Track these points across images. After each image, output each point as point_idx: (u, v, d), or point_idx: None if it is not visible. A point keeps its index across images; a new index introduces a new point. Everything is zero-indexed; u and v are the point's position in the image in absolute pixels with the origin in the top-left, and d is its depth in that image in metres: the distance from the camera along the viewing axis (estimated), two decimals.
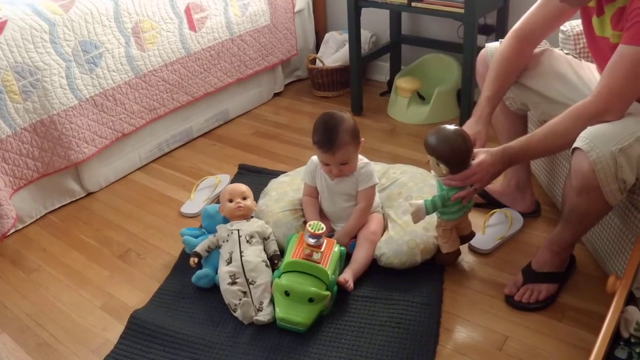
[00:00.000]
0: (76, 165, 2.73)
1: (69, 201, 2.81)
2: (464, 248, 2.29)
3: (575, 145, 1.76)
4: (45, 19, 2.57)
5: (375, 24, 3.71)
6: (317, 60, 3.72)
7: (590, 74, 2.14)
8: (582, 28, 2.14)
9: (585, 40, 2.15)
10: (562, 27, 2.40)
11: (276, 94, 3.77)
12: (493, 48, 2.28)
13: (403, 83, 3.36)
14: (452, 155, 1.96)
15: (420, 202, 2.05)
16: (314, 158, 2.31)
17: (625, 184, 1.75)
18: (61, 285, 2.31)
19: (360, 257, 2.20)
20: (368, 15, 3.41)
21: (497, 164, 1.94)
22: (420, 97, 3.41)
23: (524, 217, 2.45)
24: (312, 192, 2.35)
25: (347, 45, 3.58)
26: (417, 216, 2.06)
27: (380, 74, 3.87)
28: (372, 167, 2.28)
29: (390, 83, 3.58)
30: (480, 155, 1.96)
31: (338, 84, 3.67)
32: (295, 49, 3.73)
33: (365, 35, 3.58)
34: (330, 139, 2.14)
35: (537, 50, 2.22)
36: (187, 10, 3.07)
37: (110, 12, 2.76)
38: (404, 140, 3.16)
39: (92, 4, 2.71)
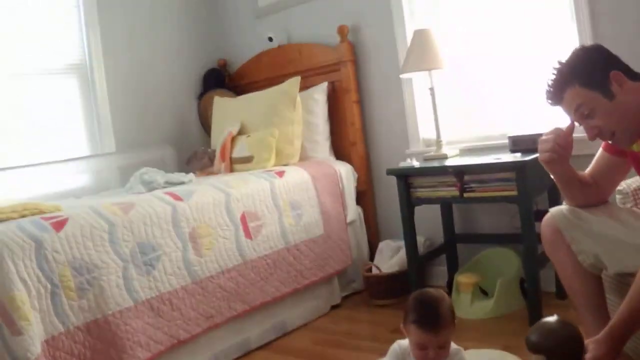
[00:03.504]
0: None
1: None
2: None
3: None
4: (105, 219, 2.61)
5: (427, 228, 3.70)
6: (374, 268, 3.65)
7: None
8: (637, 184, 2.27)
9: None
10: (618, 187, 2.39)
11: (333, 307, 3.66)
12: (557, 211, 2.24)
13: (463, 278, 3.27)
14: (569, 351, 1.77)
15: None
16: (400, 343, 2.09)
17: None
18: None
19: None
20: (419, 219, 3.41)
21: (609, 353, 1.77)
22: (483, 292, 3.27)
23: None
24: None
25: (402, 251, 3.54)
26: None
27: (439, 278, 3.76)
28: (465, 355, 2.07)
29: (449, 284, 3.47)
30: (590, 347, 1.78)
31: (396, 291, 3.55)
32: (349, 259, 3.69)
33: (419, 240, 3.54)
34: (434, 317, 1.95)
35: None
36: (243, 218, 3.10)
37: (168, 216, 2.80)
38: (470, 335, 2.96)
39: (151, 208, 2.77)
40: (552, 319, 1.86)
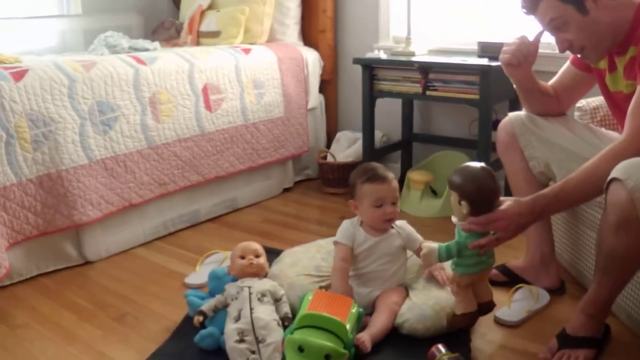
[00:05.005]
0: (78, 227, 2.61)
1: (64, 266, 2.66)
2: (489, 322, 2.14)
3: (610, 177, 1.69)
4: (66, 74, 2.57)
5: (386, 124, 3.74)
6: (329, 156, 3.70)
7: (612, 136, 2.17)
8: (596, 103, 2.34)
9: (602, 112, 2.33)
10: (578, 104, 2.46)
11: (285, 190, 3.73)
12: (515, 116, 2.29)
13: (416, 176, 3.33)
14: (478, 192, 1.82)
15: (434, 245, 1.89)
16: (350, 220, 2.21)
17: None
18: (48, 341, 2.13)
19: (378, 323, 2.03)
20: (380, 115, 3.45)
21: (525, 214, 1.82)
22: (433, 191, 3.35)
23: (550, 294, 2.32)
24: (348, 255, 2.15)
25: (359, 142, 3.59)
26: (428, 260, 1.89)
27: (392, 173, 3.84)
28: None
29: (401, 181, 3.54)
30: (507, 201, 1.84)
31: (348, 181, 3.60)
32: (306, 145, 3.72)
33: (377, 135, 3.58)
34: (382, 171, 2.17)
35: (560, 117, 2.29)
36: (205, 90, 3.08)
37: (130, 78, 2.77)
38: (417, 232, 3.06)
39: (113, 68, 2.73)
40: (476, 163, 1.92)
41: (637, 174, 1.64)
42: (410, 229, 2.22)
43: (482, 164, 1.91)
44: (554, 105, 2.27)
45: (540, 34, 2.09)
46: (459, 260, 1.89)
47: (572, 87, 2.27)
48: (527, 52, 2.11)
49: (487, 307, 2.02)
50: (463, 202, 1.84)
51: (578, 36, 1.93)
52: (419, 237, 2.21)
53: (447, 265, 2.03)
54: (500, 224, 1.82)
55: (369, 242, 2.15)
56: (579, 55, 2.08)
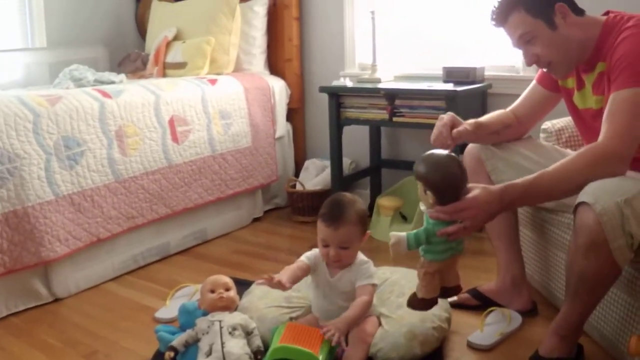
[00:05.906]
0: (46, 263, 2.57)
1: (34, 305, 2.60)
2: (462, 347, 2.15)
3: (578, 200, 1.72)
4: (30, 109, 2.54)
5: (354, 151, 3.77)
6: (298, 184, 3.70)
7: None
8: (561, 125, 2.37)
9: (567, 133, 2.36)
10: (543, 126, 2.51)
11: (255, 219, 3.72)
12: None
13: (385, 202, 3.34)
14: (443, 182, 1.76)
15: (403, 234, 1.81)
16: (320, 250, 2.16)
17: (632, 239, 1.68)
18: None
19: (353, 358, 2.01)
20: (347, 142, 3.48)
21: (493, 203, 1.78)
22: (403, 217, 3.36)
23: (522, 316, 2.33)
24: (303, 267, 2.12)
25: (327, 170, 3.60)
26: (396, 249, 1.80)
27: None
28: (374, 269, 2.13)
29: (371, 207, 3.55)
30: (476, 190, 1.80)
31: (318, 209, 3.55)
32: (275, 174, 3.72)
33: (345, 162, 3.60)
34: (336, 213, 2.05)
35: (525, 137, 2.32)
36: (171, 122, 3.07)
37: (95, 112, 2.75)
38: (384, 255, 3.04)
39: (78, 102, 2.71)
40: (441, 151, 1.89)
41: (604, 198, 1.66)
42: (365, 267, 2.12)
43: (449, 153, 1.88)
44: (512, 133, 2.29)
45: (457, 131, 2.14)
46: (427, 246, 1.84)
47: (538, 107, 2.29)
48: (445, 139, 2.13)
49: (453, 290, 1.98)
50: (428, 192, 1.79)
51: (546, 51, 1.97)
52: (370, 277, 2.10)
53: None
54: (468, 213, 1.77)
55: (325, 277, 2.13)
56: (545, 70, 2.11)
